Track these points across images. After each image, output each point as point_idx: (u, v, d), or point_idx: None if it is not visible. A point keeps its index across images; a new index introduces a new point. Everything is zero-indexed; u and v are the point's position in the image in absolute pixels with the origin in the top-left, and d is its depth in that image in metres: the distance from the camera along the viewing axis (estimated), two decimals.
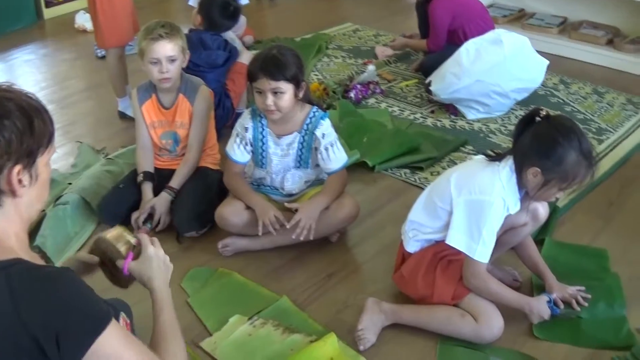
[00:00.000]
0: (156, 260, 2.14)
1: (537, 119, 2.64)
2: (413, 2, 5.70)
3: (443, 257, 2.86)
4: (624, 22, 6.30)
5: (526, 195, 2.77)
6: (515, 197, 2.71)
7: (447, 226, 2.76)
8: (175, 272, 2.24)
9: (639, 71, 5.85)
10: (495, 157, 2.76)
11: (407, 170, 4.10)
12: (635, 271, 3.31)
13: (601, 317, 2.99)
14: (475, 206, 2.67)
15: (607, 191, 4.01)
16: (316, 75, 5.50)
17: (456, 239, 2.71)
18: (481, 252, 2.68)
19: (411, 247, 2.94)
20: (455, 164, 4.06)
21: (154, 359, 1.84)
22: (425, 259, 2.88)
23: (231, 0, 4.63)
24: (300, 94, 3.19)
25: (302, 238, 3.16)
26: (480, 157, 2.85)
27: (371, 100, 5.05)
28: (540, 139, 2.61)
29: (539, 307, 2.85)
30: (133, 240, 2.19)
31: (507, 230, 2.90)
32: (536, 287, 3.12)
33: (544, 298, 2.90)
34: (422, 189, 3.41)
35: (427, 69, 5.12)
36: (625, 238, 3.56)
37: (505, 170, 2.68)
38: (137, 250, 2.16)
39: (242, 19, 5.73)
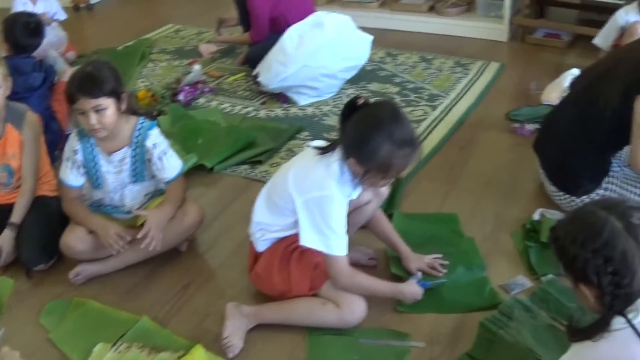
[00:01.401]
0: None
1: (357, 107, 2.61)
2: None
3: (295, 249, 2.82)
4: None
5: None
6: (352, 185, 2.68)
7: (294, 224, 2.71)
8: (31, 309, 2.08)
9: (464, 33, 6.03)
10: (327, 148, 2.71)
11: (247, 166, 4.03)
12: (486, 230, 3.37)
13: (462, 281, 3.01)
14: (316, 204, 2.63)
15: (447, 155, 4.07)
16: (143, 82, 5.35)
17: (310, 239, 2.66)
18: (338, 245, 2.66)
19: (261, 246, 2.89)
20: (294, 152, 4.06)
21: None
22: (277, 254, 2.84)
23: (30, 18, 4.45)
24: (123, 107, 3.08)
25: (150, 248, 3.07)
26: (311, 149, 2.78)
27: (201, 100, 4.94)
28: (354, 131, 2.57)
29: (411, 290, 2.86)
30: None
31: (352, 211, 2.87)
32: (392, 260, 3.11)
33: (412, 280, 2.89)
34: (264, 182, 3.33)
35: (253, 60, 5.05)
36: (472, 199, 3.63)
37: (336, 162, 2.64)
38: None
39: (63, 35, 5.57)
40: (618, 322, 1.85)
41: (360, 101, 2.61)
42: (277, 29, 4.97)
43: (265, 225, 2.85)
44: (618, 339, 1.85)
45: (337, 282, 2.72)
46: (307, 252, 2.77)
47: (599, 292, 1.87)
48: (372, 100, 2.69)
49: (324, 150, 2.69)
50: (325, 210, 2.62)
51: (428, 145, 4.14)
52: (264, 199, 2.87)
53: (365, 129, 2.53)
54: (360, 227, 3.11)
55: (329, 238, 2.63)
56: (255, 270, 2.91)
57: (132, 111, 3.19)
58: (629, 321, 1.84)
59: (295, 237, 2.74)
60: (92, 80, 2.96)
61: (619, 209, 1.90)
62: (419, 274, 2.95)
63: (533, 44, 5.91)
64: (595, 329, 1.88)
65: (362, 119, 2.56)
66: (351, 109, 2.61)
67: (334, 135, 4.18)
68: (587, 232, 1.87)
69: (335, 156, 2.63)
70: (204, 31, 6.41)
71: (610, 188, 3.36)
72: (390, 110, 2.58)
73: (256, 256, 2.92)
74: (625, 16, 4.84)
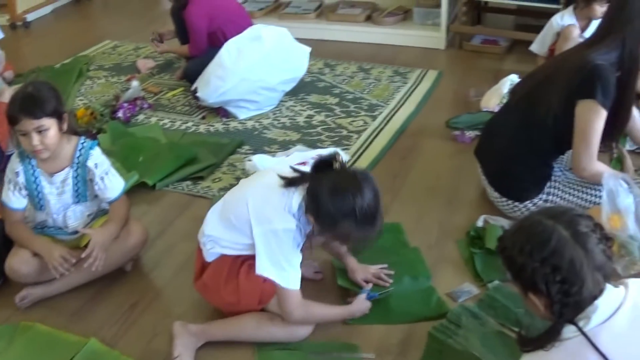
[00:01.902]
0: None
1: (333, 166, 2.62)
2: (168, 9, 5.56)
3: (244, 261, 2.80)
4: None
5: None
6: (307, 228, 2.69)
7: (248, 247, 2.72)
8: None
9: (401, 42, 6.06)
10: (291, 182, 2.69)
11: (189, 182, 3.99)
12: (431, 238, 3.41)
13: (409, 291, 3.04)
14: (275, 236, 2.64)
15: (389, 165, 4.09)
16: (81, 100, 5.26)
17: (267, 270, 2.67)
18: (294, 279, 2.68)
19: (210, 257, 2.87)
20: (236, 167, 4.07)
21: None
22: (226, 265, 2.82)
23: None
24: (65, 127, 3.06)
25: (93, 268, 3.04)
26: (275, 176, 2.74)
27: (141, 117, 4.88)
28: (319, 194, 2.56)
29: (360, 308, 2.88)
30: None
31: None
32: (338, 272, 3.12)
33: (360, 297, 2.91)
34: (207, 198, 3.32)
35: (192, 75, 5.01)
36: (415, 208, 3.65)
37: (297, 200, 2.63)
38: None
39: (1, 54, 5.45)
40: (569, 330, 1.89)
41: (336, 164, 2.62)
42: (215, 43, 4.94)
43: (217, 239, 2.82)
44: (569, 348, 1.88)
45: (291, 316, 2.73)
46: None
47: (548, 301, 1.90)
48: (346, 164, 2.71)
49: (288, 183, 2.68)
50: (284, 243, 2.63)
51: (369, 155, 4.17)
52: (218, 213, 2.86)
53: (330, 197, 2.53)
54: None
55: (286, 271, 2.65)
56: (202, 280, 2.89)
57: (73, 131, 3.17)
58: (579, 329, 1.87)
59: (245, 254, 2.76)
60: (34, 101, 2.95)
61: (565, 218, 1.94)
62: (368, 287, 2.98)
63: (471, 51, 5.96)
64: (547, 338, 1.91)
65: (332, 186, 2.55)
66: (325, 165, 2.63)
67: (275, 148, 4.22)
68: (534, 242, 1.90)
69: (298, 195, 2.64)
70: (142, 47, 6.33)
71: (553, 192, 3.43)
72: (361, 186, 2.57)
73: (204, 265, 2.90)
74: (560, 21, 4.90)
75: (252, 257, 2.74)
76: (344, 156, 3.91)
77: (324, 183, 2.56)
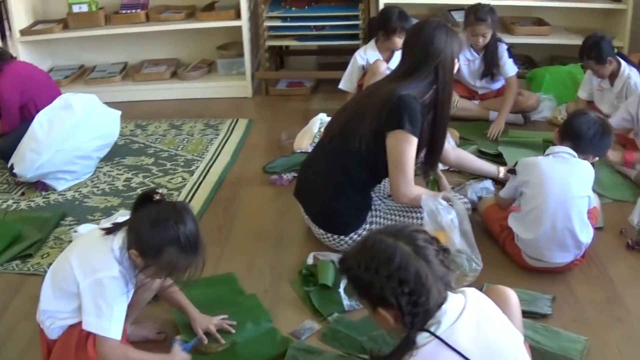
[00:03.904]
0: None
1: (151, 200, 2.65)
2: None
3: (90, 332, 2.72)
4: (182, 52, 6.59)
5: None
6: (133, 272, 2.68)
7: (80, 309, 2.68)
8: None
9: (209, 94, 6.16)
10: (111, 229, 2.70)
11: (18, 262, 3.86)
12: (265, 283, 3.47)
13: (253, 337, 3.08)
14: (98, 285, 2.61)
15: (212, 217, 4.12)
16: None
17: (90, 323, 2.63)
18: (115, 329, 2.64)
19: (53, 334, 2.79)
20: (62, 240, 3.98)
21: None
22: (73, 339, 2.74)
23: None
24: None
25: None
26: (97, 230, 2.76)
27: None
28: (142, 226, 2.58)
29: (175, 358, 2.87)
30: None
31: (139, 288, 2.85)
32: (180, 324, 3.12)
33: (175, 347, 2.89)
34: (40, 275, 3.26)
35: (6, 152, 4.80)
36: (246, 256, 3.70)
37: (119, 245, 2.64)
38: None
39: None
40: (422, 337, 2.01)
41: (157, 197, 2.64)
42: (26, 116, 4.80)
43: (53, 313, 2.76)
44: (426, 352, 2.00)
45: (109, 358, 2.68)
46: None
47: (398, 313, 2.02)
48: (167, 198, 2.73)
49: (108, 231, 2.68)
50: (108, 292, 2.60)
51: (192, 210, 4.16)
52: (49, 284, 2.79)
53: (153, 227, 2.55)
54: None
55: (108, 320, 2.61)
56: None
57: None
58: (432, 333, 2.00)
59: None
60: None
61: (404, 234, 2.08)
62: (177, 338, 2.97)
63: (278, 95, 6.13)
64: (403, 350, 2.02)
65: (153, 217, 2.57)
66: (145, 200, 2.65)
67: (98, 216, 4.18)
68: (379, 259, 2.02)
69: (119, 238, 2.64)
70: None
71: (375, 222, 3.57)
72: (182, 214, 2.60)
73: (49, 345, 2.82)
74: (364, 56, 5.10)
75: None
76: None
77: (145, 216, 2.59)
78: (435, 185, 3.88)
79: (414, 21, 4.59)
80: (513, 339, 2.18)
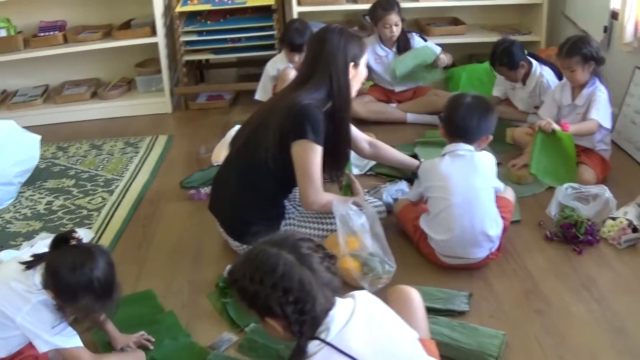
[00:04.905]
0: None
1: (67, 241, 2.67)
2: None
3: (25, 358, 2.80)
4: (102, 72, 6.60)
5: None
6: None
7: (18, 338, 2.73)
8: None
9: (130, 112, 6.18)
10: (31, 263, 2.72)
11: None
12: (184, 298, 3.50)
13: (171, 352, 3.11)
14: (35, 310, 2.65)
15: (132, 235, 4.15)
16: None
17: (46, 343, 2.68)
18: (72, 340, 2.72)
19: None
20: None
21: None
22: None
23: None
24: None
25: None
26: (14, 264, 2.77)
27: None
28: (56, 269, 2.61)
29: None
30: None
31: None
32: (100, 343, 3.14)
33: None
34: None
35: None
36: (164, 272, 3.73)
37: (39, 280, 2.66)
38: None
39: None
40: (314, 345, 2.05)
41: (73, 241, 2.66)
42: None
43: None
44: (319, 359, 2.04)
45: None
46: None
47: (286, 322, 2.07)
48: (83, 241, 2.76)
49: (27, 267, 2.71)
50: (46, 312, 2.65)
51: (112, 229, 4.21)
52: None
53: (68, 272, 2.58)
54: None
55: (61, 335, 2.67)
56: None
57: None
58: (322, 340, 2.04)
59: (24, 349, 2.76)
60: None
61: (288, 243, 2.13)
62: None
63: (197, 110, 6.17)
64: (295, 359, 2.07)
65: (69, 262, 2.60)
66: (62, 242, 2.68)
67: (20, 241, 4.17)
68: (263, 269, 2.06)
69: (39, 275, 2.67)
70: None
71: (290, 230, 3.61)
72: (97, 259, 2.64)
73: None
74: (275, 65, 5.18)
75: (28, 348, 2.76)
76: (89, 234, 3.98)
77: (61, 259, 2.61)
78: (348, 190, 3.93)
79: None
80: (406, 337, 2.24)
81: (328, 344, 2.04)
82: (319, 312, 2.08)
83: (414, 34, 5.61)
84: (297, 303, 2.05)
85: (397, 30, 5.36)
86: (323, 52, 3.48)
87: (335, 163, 3.70)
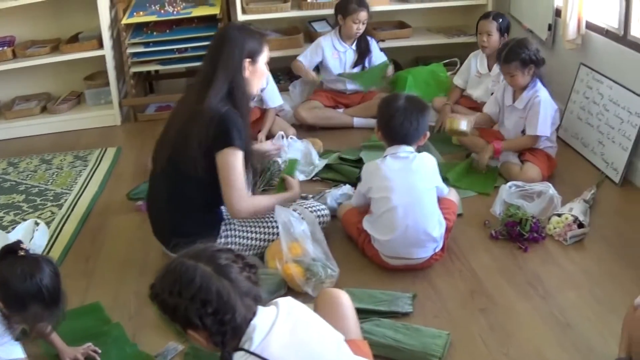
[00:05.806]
0: None
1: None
2: None
3: None
4: (52, 86, 6.57)
5: None
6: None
7: None
8: None
9: (79, 125, 6.17)
10: None
11: None
12: (130, 309, 3.52)
13: None
14: None
15: (80, 249, 4.15)
16: None
17: None
18: (14, 351, 2.71)
19: None
20: None
21: None
22: None
23: None
24: None
25: None
26: None
27: None
28: (6, 280, 2.62)
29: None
30: None
31: None
32: (49, 356, 3.14)
33: None
34: None
35: None
36: (112, 284, 3.74)
37: None
38: None
39: None
40: (238, 356, 2.07)
41: (21, 252, 2.68)
42: None
43: None
44: None
45: None
46: None
47: (207, 333, 2.08)
48: (34, 253, 2.79)
49: None
50: None
51: (61, 243, 4.20)
52: None
53: (17, 282, 2.60)
54: None
55: (1, 346, 2.67)
56: None
57: None
58: (246, 350, 2.06)
59: None
60: None
61: (206, 254, 2.15)
62: None
63: (147, 121, 6.17)
64: None
65: (18, 271, 2.62)
66: (9, 254, 2.69)
67: None
68: (181, 282, 2.07)
69: None
70: None
71: (231, 235, 3.63)
72: (45, 269, 2.66)
73: None
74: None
75: None
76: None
77: (9, 269, 2.62)
78: (282, 185, 3.97)
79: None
80: (331, 340, 2.28)
81: (252, 353, 2.06)
82: (240, 322, 2.10)
83: (372, 39, 5.71)
84: (217, 314, 2.06)
85: (362, 29, 5.49)
86: (223, 48, 3.49)
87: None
